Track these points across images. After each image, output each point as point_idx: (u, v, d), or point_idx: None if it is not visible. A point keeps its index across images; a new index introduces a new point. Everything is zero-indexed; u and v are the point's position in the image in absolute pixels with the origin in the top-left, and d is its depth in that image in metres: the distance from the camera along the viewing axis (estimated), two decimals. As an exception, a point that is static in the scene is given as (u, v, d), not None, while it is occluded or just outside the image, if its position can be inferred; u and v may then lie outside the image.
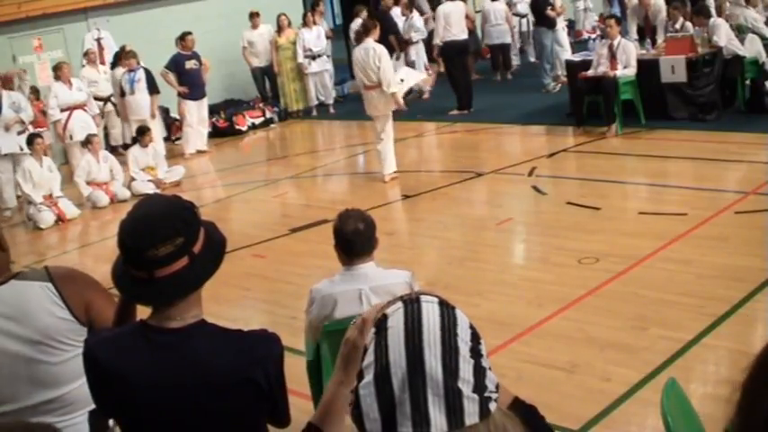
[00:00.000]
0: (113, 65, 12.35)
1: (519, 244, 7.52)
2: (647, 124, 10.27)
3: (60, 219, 9.73)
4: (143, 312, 2.24)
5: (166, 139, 13.01)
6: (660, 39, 11.28)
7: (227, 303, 6.34)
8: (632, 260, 6.24)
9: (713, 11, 11.50)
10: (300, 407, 3.50)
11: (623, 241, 6.68)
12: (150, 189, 10.17)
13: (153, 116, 12.02)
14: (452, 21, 12.87)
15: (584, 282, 6.00)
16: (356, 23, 15.52)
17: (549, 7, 13.14)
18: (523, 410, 1.55)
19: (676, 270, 6.01)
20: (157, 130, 12.12)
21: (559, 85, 13.04)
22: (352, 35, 14.58)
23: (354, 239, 3.81)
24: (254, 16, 13.95)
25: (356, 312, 3.19)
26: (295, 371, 4.34)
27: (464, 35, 12.82)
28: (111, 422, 2.72)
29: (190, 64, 12.42)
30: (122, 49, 12.25)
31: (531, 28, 14.30)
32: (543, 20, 13.26)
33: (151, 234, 2.06)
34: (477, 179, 8.92)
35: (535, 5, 13.40)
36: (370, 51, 8.96)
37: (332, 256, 4.02)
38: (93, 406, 2.71)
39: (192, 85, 12.44)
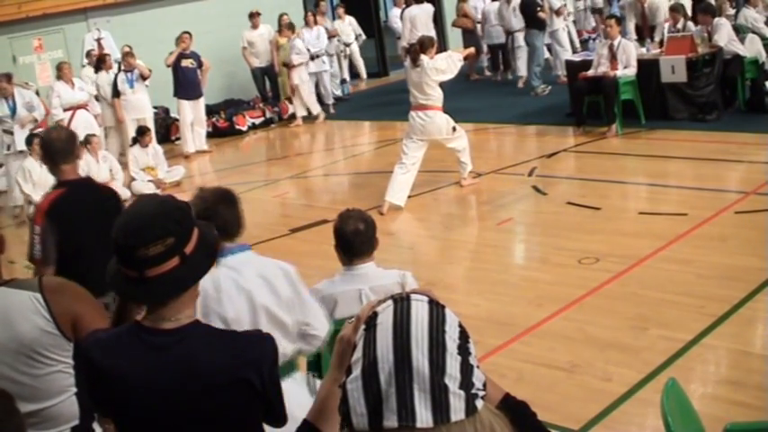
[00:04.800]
0: (96, 68, 12.22)
1: (519, 244, 7.52)
2: (647, 124, 10.27)
3: (60, 219, 9.71)
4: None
5: (165, 140, 13.03)
6: (657, 37, 11.30)
7: (227, 303, 6.34)
8: (632, 260, 6.24)
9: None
10: (300, 407, 3.50)
11: (623, 241, 6.68)
12: (150, 189, 10.17)
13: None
14: (418, 24, 13.07)
15: (584, 282, 6.00)
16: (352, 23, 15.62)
17: (539, 9, 13.15)
18: (514, 406, 1.55)
19: (676, 270, 6.01)
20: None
21: (549, 87, 13.04)
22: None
23: (355, 239, 3.81)
24: (254, 16, 13.95)
25: (356, 312, 3.18)
26: (295, 371, 4.35)
27: None
28: None
29: (186, 62, 12.42)
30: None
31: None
32: (534, 22, 13.26)
33: (142, 233, 2.06)
34: (476, 179, 8.91)
35: (525, 8, 13.40)
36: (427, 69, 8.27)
37: (332, 256, 4.02)
38: (76, 422, 2.70)
39: (187, 84, 12.43)
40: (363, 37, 15.94)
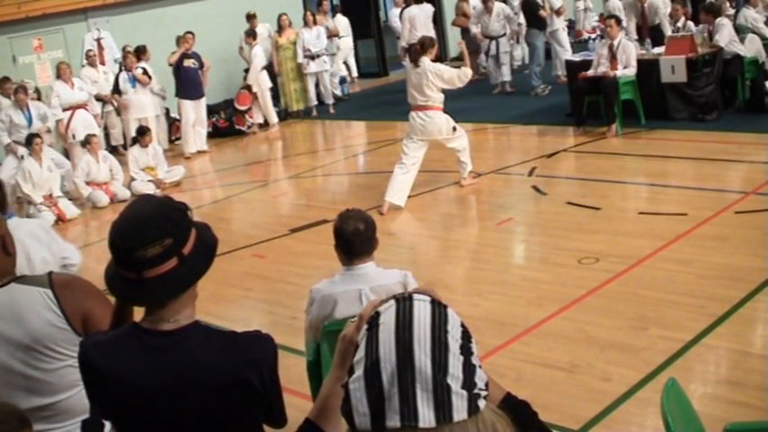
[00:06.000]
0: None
1: (519, 244, 7.52)
2: (647, 124, 10.28)
3: (60, 219, 9.72)
4: (140, 314, 2.24)
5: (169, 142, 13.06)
6: (668, 32, 11.32)
7: (227, 303, 6.34)
8: (632, 260, 6.24)
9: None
10: (301, 407, 3.50)
11: (623, 241, 6.68)
12: (150, 189, 10.18)
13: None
14: (417, 24, 13.14)
15: (584, 282, 6.00)
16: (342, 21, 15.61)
17: (540, 8, 13.14)
18: (515, 406, 1.55)
19: (676, 270, 6.00)
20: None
21: (549, 87, 13.03)
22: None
23: (354, 239, 3.81)
24: (251, 18, 13.89)
25: (356, 312, 3.18)
26: (295, 371, 4.35)
27: None
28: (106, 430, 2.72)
29: (188, 62, 12.42)
30: (138, 49, 12.29)
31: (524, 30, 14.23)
32: (535, 21, 13.24)
33: (140, 235, 2.06)
34: (476, 179, 8.92)
35: (526, 7, 13.38)
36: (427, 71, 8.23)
37: (332, 256, 4.02)
38: (87, 415, 2.71)
39: (189, 84, 12.44)
40: (348, 37, 15.82)
